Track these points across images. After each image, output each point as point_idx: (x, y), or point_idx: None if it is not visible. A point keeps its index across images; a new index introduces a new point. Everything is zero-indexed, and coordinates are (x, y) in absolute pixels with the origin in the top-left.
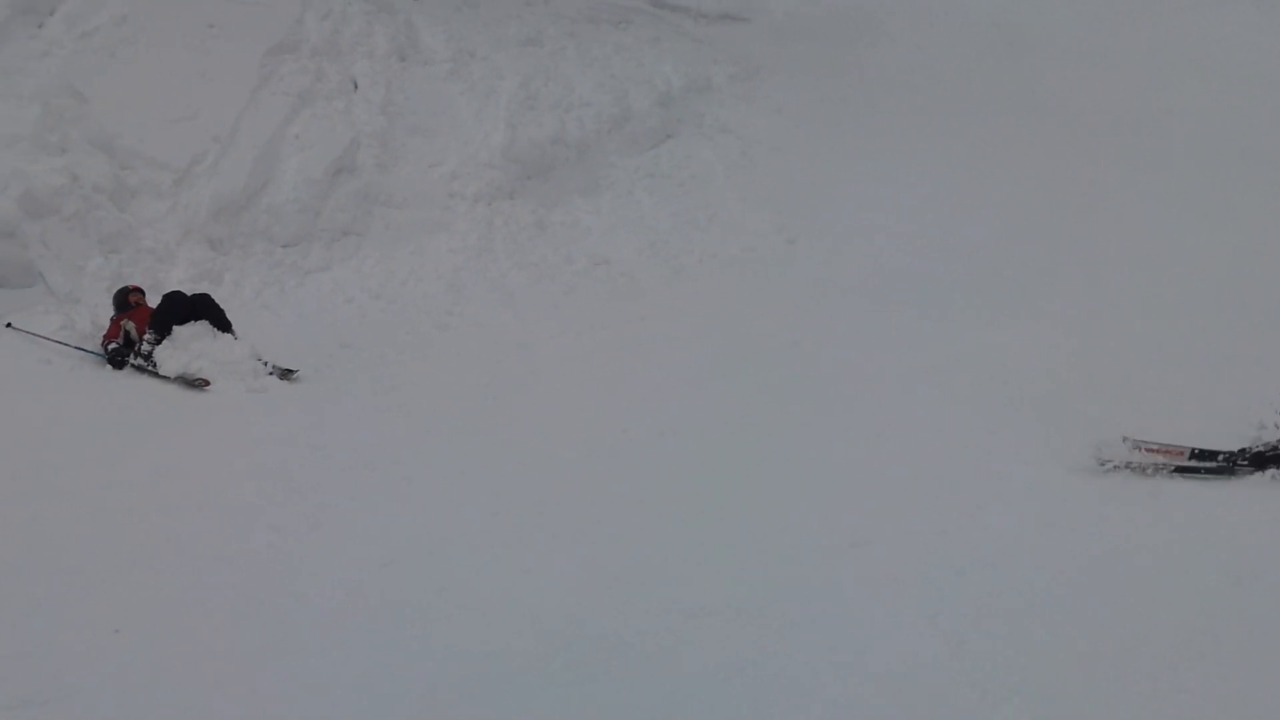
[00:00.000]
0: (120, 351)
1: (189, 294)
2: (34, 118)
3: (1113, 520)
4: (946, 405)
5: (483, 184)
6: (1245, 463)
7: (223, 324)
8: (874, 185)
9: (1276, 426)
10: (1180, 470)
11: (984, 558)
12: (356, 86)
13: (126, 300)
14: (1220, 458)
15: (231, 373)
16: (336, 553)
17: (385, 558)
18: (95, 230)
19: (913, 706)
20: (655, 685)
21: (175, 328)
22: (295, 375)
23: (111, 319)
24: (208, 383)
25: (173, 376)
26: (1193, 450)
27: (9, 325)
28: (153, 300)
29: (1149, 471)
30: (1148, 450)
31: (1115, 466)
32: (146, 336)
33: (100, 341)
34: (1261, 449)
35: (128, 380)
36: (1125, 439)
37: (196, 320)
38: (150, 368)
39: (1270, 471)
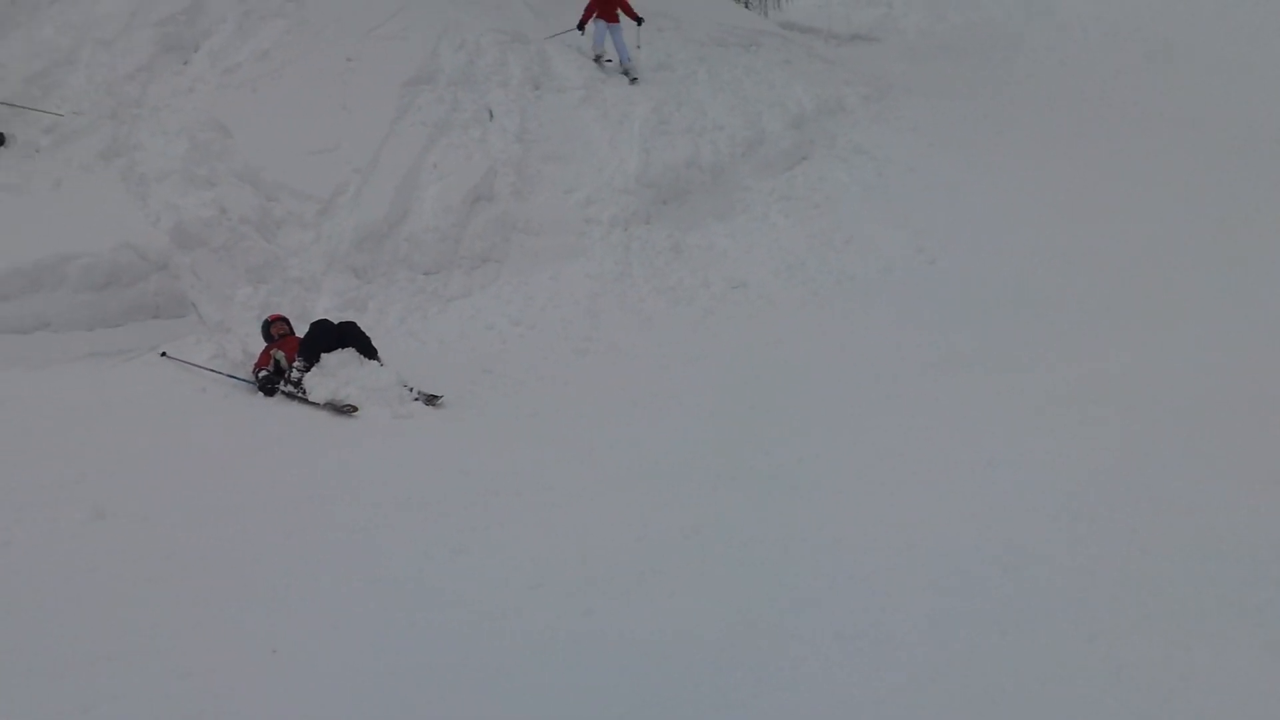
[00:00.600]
0: (271, 379)
1: (335, 322)
2: (182, 152)
3: None
4: (1101, 425)
5: (618, 209)
6: None
7: (368, 351)
8: (1013, 203)
9: None
10: None
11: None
12: (492, 115)
13: (270, 333)
14: None
15: (378, 399)
16: (483, 577)
17: (532, 582)
18: (243, 260)
19: None
20: (810, 708)
21: (323, 355)
22: (440, 401)
23: (263, 349)
24: (356, 409)
25: (322, 403)
26: None
27: (164, 354)
28: (300, 328)
29: None
30: None
31: None
32: (296, 364)
33: (251, 369)
34: None
35: (279, 407)
36: None
37: (343, 347)
38: (300, 394)
39: None
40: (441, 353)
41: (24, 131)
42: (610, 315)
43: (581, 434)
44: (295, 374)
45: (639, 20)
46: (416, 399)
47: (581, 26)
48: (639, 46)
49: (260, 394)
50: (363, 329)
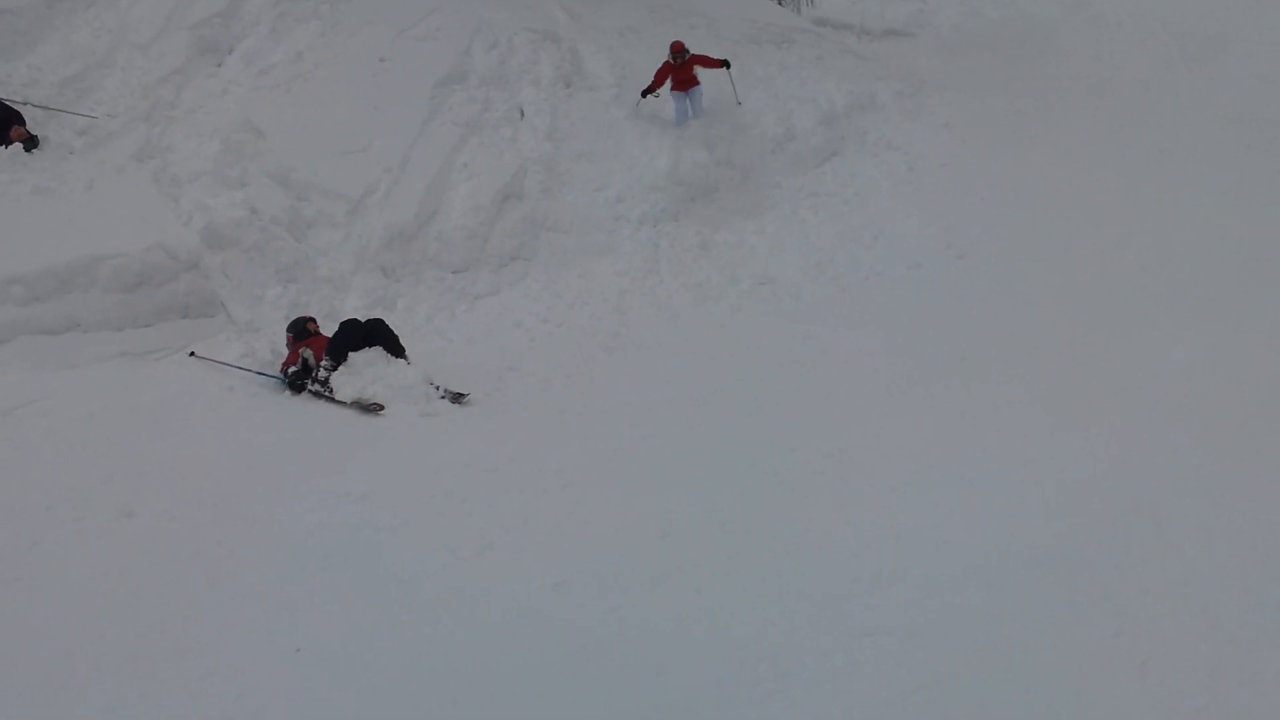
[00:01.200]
0: (299, 376)
1: (363, 320)
2: (214, 153)
3: None
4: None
5: (647, 206)
6: None
7: (396, 349)
8: (1046, 200)
9: None
10: None
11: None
12: (523, 114)
13: (306, 328)
14: None
15: (405, 397)
16: (509, 574)
17: (557, 578)
18: (274, 260)
19: None
20: (833, 704)
21: (350, 354)
22: (466, 399)
23: (293, 347)
24: (382, 407)
25: (349, 401)
26: None
27: (192, 354)
28: (329, 328)
29: None
30: None
31: None
32: (323, 363)
33: (280, 367)
34: None
35: (306, 406)
36: None
37: (371, 346)
38: (327, 393)
39: None
40: (469, 351)
41: (58, 134)
42: (638, 313)
43: (608, 432)
44: (323, 373)
45: (725, 64)
46: (443, 397)
47: (646, 94)
48: (739, 102)
49: (288, 392)
50: (390, 327)
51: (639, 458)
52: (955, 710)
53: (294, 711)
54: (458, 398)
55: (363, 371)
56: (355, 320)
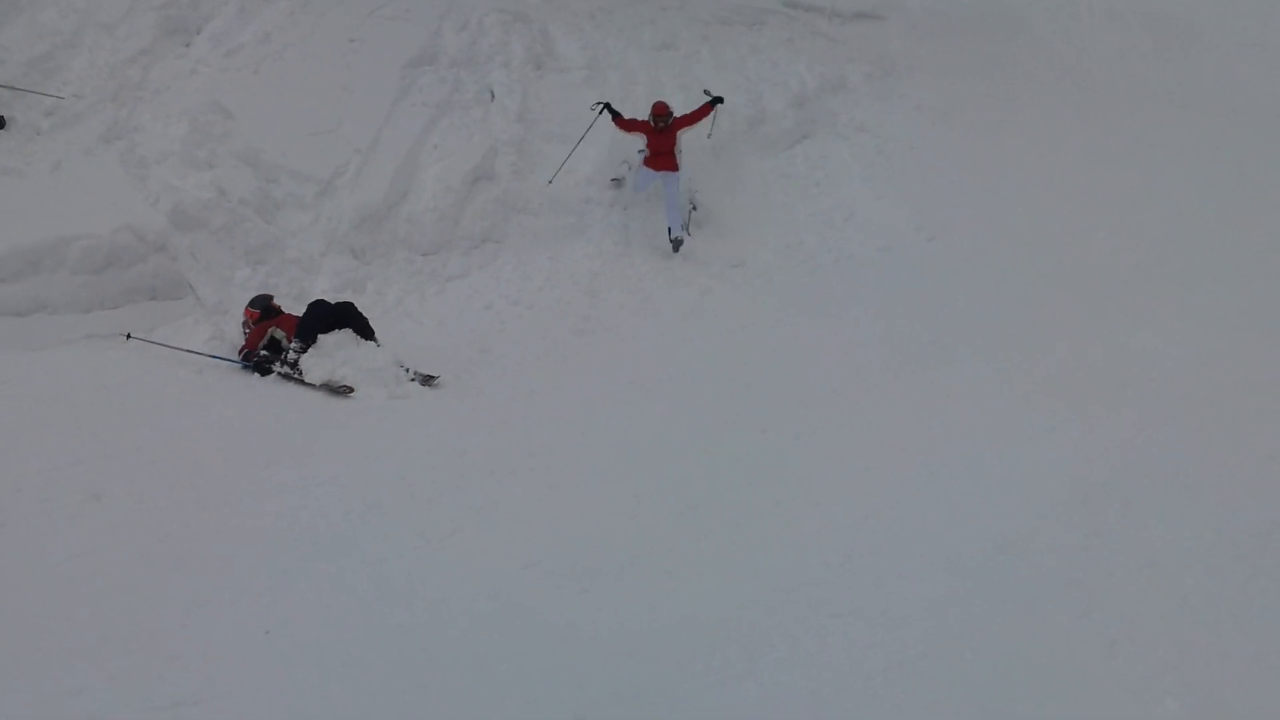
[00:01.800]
0: (268, 358)
1: (332, 302)
2: (182, 134)
3: None
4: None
5: (618, 189)
6: None
7: (366, 332)
8: (1016, 183)
9: None
10: None
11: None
12: (494, 96)
13: (273, 306)
14: None
15: (374, 380)
16: (479, 557)
17: (527, 560)
18: (242, 242)
19: None
20: (803, 687)
21: (320, 336)
22: (436, 381)
23: (259, 324)
24: (351, 390)
25: (318, 384)
26: None
27: (129, 336)
28: (298, 309)
29: None
30: None
31: None
32: (292, 345)
33: (241, 350)
34: None
35: (275, 388)
36: None
37: (340, 328)
38: (296, 375)
39: None
40: (439, 333)
41: (25, 114)
42: (609, 295)
43: (579, 414)
44: (292, 355)
45: (718, 101)
46: (413, 380)
47: (616, 180)
48: (709, 135)
49: (255, 375)
50: (360, 310)
51: (609, 440)
52: (924, 691)
53: (262, 694)
54: (428, 380)
55: (332, 354)
56: (324, 301)
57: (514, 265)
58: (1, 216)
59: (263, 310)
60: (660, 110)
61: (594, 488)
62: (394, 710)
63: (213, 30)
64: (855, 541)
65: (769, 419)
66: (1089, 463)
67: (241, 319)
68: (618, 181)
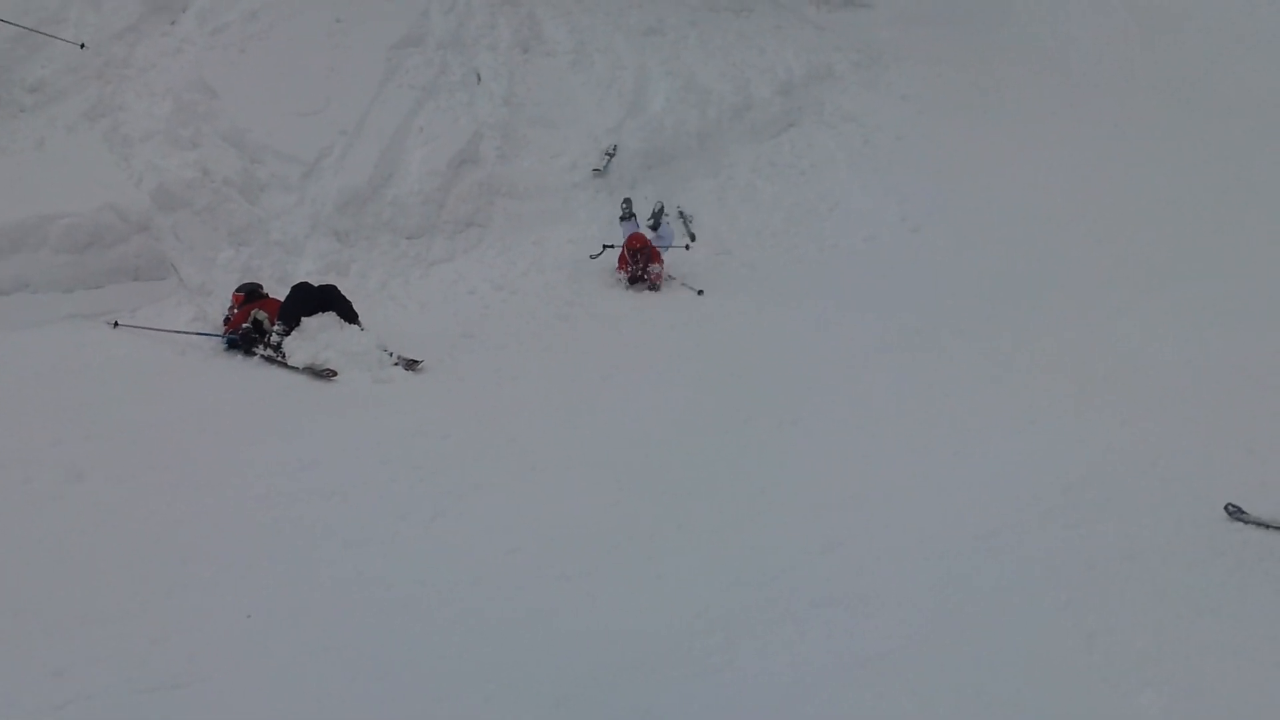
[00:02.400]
0: (250, 337)
1: (316, 285)
2: (167, 113)
3: None
4: (1080, 395)
5: (601, 178)
6: None
7: (349, 315)
8: (1001, 172)
9: None
10: None
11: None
12: (480, 79)
13: (258, 290)
14: None
15: (358, 363)
16: (460, 540)
17: (510, 545)
18: (226, 223)
19: None
20: (783, 674)
21: (303, 319)
22: (420, 365)
23: (242, 306)
24: (335, 373)
25: (301, 367)
26: None
27: (115, 324)
28: (281, 292)
29: None
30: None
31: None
32: (275, 327)
33: (226, 327)
34: None
35: (258, 370)
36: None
37: (324, 311)
38: (279, 358)
39: None
40: (422, 317)
41: (8, 91)
42: (593, 280)
43: (562, 399)
44: (275, 338)
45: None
46: (396, 363)
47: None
48: (687, 246)
49: (239, 356)
50: (344, 293)
51: (592, 426)
52: (903, 680)
53: (244, 675)
54: (411, 364)
55: (315, 337)
56: (307, 284)
57: (498, 250)
58: None
59: (248, 294)
60: (635, 242)
61: (576, 474)
62: (374, 692)
63: (199, 8)
64: (837, 530)
65: (751, 407)
66: (1070, 454)
67: (228, 303)
68: (599, 172)
